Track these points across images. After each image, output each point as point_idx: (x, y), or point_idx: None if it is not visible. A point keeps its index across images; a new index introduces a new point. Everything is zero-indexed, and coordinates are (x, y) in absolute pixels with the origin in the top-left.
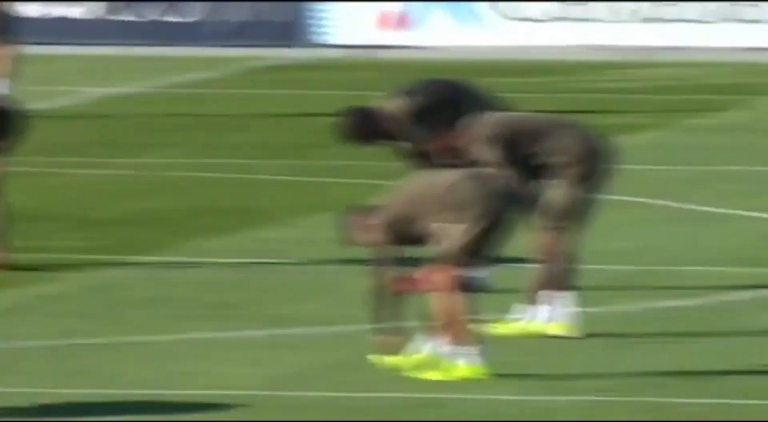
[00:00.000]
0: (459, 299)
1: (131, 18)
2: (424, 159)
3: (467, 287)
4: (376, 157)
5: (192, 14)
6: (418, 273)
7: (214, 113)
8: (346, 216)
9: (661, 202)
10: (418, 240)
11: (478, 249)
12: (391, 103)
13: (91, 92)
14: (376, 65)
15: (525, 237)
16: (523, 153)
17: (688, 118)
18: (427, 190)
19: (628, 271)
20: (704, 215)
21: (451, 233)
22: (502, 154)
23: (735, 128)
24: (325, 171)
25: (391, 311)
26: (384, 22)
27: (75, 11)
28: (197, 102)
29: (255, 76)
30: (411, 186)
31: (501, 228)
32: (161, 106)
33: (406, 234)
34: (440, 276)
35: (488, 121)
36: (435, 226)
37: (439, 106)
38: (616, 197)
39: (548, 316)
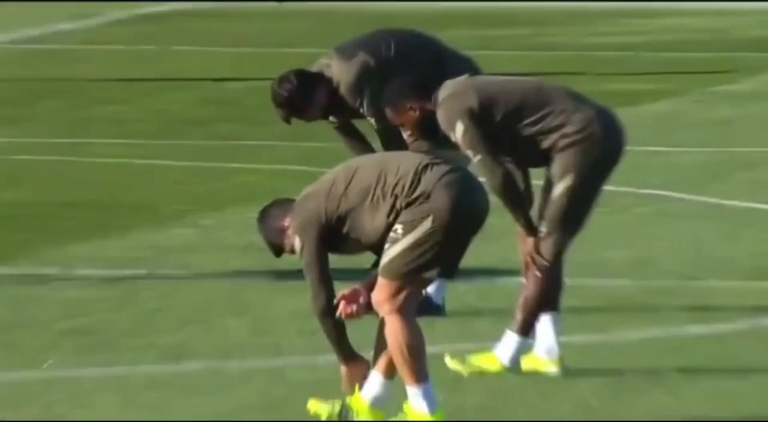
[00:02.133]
0: (410, 325)
1: None
2: (377, 138)
3: (420, 310)
4: (299, 135)
5: None
6: (357, 292)
7: (82, 77)
8: (268, 216)
9: (674, 194)
10: (356, 246)
11: (434, 260)
12: (333, 66)
13: None
14: (306, 14)
15: (498, 243)
16: (512, 132)
17: (709, 83)
18: (370, 181)
19: (631, 287)
20: (732, 212)
21: (398, 238)
22: (484, 133)
23: None
24: (232, 153)
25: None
26: None
27: None
28: (59, 62)
29: (137, 28)
30: (348, 174)
31: (464, 232)
32: (12, 68)
33: (341, 237)
34: (385, 295)
35: (466, 88)
36: (378, 228)
37: (395, 67)
38: (614, 189)
39: (526, 346)
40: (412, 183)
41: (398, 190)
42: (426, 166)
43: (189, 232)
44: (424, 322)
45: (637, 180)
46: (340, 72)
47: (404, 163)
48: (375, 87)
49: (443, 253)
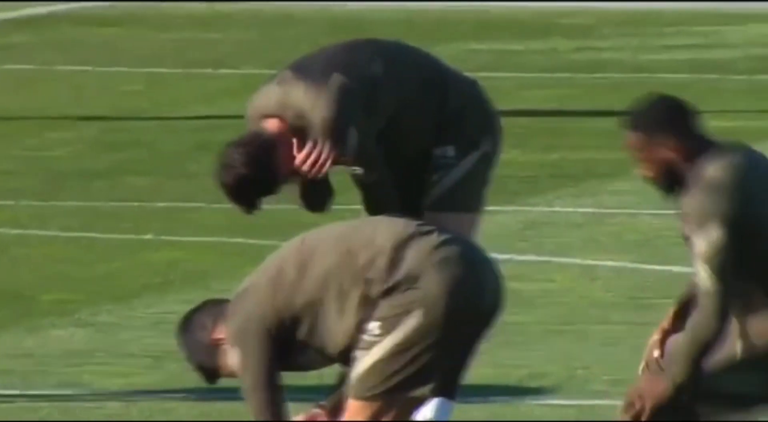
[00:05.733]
0: None
1: None
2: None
3: None
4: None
5: None
6: (316, 417)
7: None
8: (193, 327)
9: None
10: (316, 357)
11: (427, 372)
12: (296, 95)
13: None
14: (247, 19)
15: (522, 348)
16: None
17: None
18: (332, 262)
19: None
20: None
21: (375, 342)
22: (736, 259)
23: None
24: (141, 219)
25: None
26: None
27: None
28: None
29: (4, 38)
30: (302, 254)
31: (469, 331)
32: None
33: (295, 346)
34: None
35: (740, 174)
36: (346, 330)
37: (384, 92)
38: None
39: None
40: (391, 261)
41: (372, 272)
42: (411, 237)
43: (78, 334)
44: None
45: None
46: (312, 103)
47: (379, 232)
48: (359, 120)
49: (439, 362)
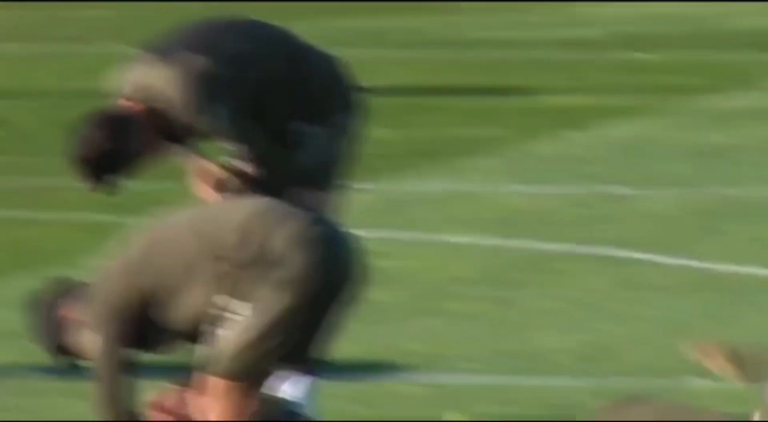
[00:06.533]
0: None
1: None
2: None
3: (273, 418)
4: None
5: None
6: (182, 396)
7: None
8: (46, 305)
9: (642, 256)
10: (173, 337)
11: (295, 352)
12: (152, 75)
13: None
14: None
15: (385, 326)
16: None
17: (689, 96)
18: (188, 243)
19: (581, 389)
20: (726, 280)
21: (238, 320)
22: None
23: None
24: (1, 198)
25: None
26: None
27: None
28: None
29: None
30: (158, 235)
31: (331, 308)
32: None
33: (153, 327)
34: (218, 400)
35: None
36: (203, 309)
37: (244, 69)
38: (556, 247)
39: None
40: (241, 239)
41: (223, 250)
42: (267, 214)
43: None
44: None
45: (589, 236)
46: (170, 85)
47: (233, 211)
48: (226, 99)
49: (304, 340)
